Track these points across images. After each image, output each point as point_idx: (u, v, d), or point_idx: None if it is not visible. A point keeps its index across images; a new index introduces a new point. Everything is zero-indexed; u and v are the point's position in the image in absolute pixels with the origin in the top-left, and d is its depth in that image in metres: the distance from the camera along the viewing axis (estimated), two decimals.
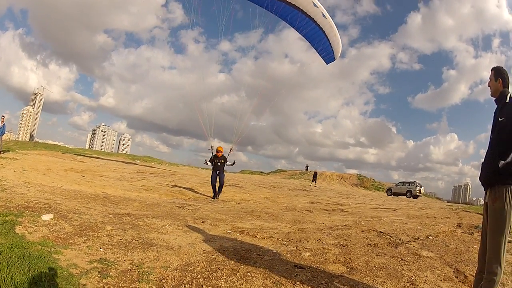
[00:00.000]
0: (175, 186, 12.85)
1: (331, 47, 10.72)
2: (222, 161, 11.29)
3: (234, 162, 11.98)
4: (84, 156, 25.33)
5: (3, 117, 16.14)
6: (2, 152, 15.46)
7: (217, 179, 11.22)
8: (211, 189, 11.30)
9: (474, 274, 3.17)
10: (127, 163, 25.79)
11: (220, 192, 11.18)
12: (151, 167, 24.56)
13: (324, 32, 10.28)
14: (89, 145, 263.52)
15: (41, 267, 3.07)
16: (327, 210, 10.02)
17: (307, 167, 52.15)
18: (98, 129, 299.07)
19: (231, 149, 11.93)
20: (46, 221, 4.79)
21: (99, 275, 3.15)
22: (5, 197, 5.96)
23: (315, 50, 11.06)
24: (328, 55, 11.10)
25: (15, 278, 2.77)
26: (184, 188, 12.60)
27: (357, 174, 50.24)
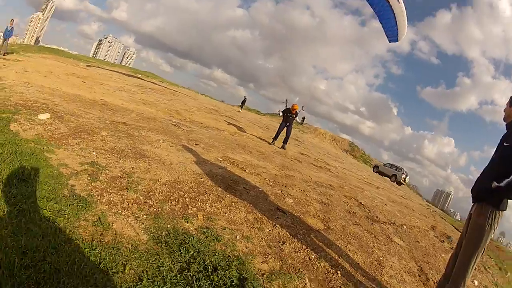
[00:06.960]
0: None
1: (397, 29, 10.68)
2: (294, 116, 11.39)
3: (303, 119, 12.26)
4: (87, 63, 24.13)
5: (12, 21, 15.24)
6: (6, 54, 14.55)
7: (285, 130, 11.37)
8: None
9: (437, 281, 3.16)
10: (128, 75, 24.81)
11: (286, 143, 11.31)
12: (152, 82, 23.76)
13: (394, 13, 10.16)
14: (94, 54, 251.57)
15: (31, 164, 2.87)
16: (314, 166, 9.71)
17: (303, 118, 50.91)
18: (105, 39, 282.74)
19: (303, 106, 12.03)
20: (42, 120, 4.53)
21: (88, 178, 3.00)
22: (4, 95, 5.58)
23: (380, 26, 11.04)
24: (392, 35, 11.17)
25: (3, 174, 2.57)
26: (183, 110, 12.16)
27: (350, 141, 45.72)
